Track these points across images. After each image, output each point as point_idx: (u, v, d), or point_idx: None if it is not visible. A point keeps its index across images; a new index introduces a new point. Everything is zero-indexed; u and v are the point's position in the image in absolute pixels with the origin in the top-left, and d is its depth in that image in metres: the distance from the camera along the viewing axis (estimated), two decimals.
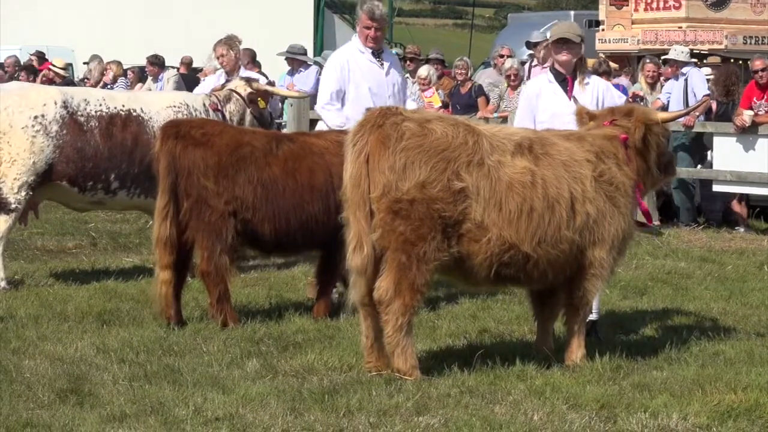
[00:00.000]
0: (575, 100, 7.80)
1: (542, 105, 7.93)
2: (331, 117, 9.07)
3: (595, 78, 8.20)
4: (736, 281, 10.53)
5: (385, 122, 6.64)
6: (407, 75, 17.65)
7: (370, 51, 9.10)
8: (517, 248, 6.79)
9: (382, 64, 9.11)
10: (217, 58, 11.74)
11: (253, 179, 8.21)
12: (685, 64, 14.71)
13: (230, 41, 11.59)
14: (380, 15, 9.07)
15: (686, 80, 14.54)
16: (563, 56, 7.93)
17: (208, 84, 12.05)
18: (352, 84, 9.05)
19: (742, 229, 14.03)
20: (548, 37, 8.30)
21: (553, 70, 8.03)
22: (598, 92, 8.00)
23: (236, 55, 11.54)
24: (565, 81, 7.96)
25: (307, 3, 34.47)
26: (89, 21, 32.64)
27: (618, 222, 7.11)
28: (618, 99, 8.30)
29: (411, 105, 9.43)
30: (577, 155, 7.08)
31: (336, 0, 37.90)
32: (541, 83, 8.09)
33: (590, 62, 12.31)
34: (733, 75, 15.34)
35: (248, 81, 10.99)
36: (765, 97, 13.78)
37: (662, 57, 15.53)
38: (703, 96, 14.45)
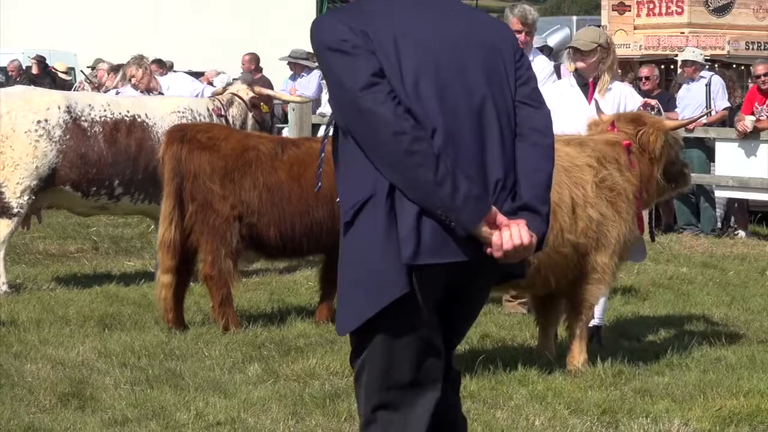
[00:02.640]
0: (598, 107, 7.79)
1: (562, 108, 7.94)
2: None
3: (617, 84, 8.18)
4: (738, 287, 10.52)
5: None
6: None
7: None
8: None
9: None
10: (129, 78, 11.95)
11: (259, 184, 8.22)
12: (703, 67, 14.71)
13: (138, 60, 11.84)
14: (533, 20, 8.98)
15: (707, 86, 14.52)
16: (578, 64, 7.97)
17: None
18: None
19: (743, 235, 14.03)
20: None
21: (575, 74, 8.06)
22: (620, 98, 7.99)
23: (145, 72, 11.77)
24: (587, 85, 7.98)
25: (310, 8, 34.47)
26: (92, 25, 32.65)
27: (620, 227, 7.11)
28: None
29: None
30: (578, 160, 7.08)
31: (338, 4, 37.94)
32: (563, 87, 8.12)
33: None
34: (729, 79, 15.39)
35: (250, 85, 11.01)
36: (767, 102, 13.79)
37: (680, 58, 15.50)
38: (723, 109, 14.45)
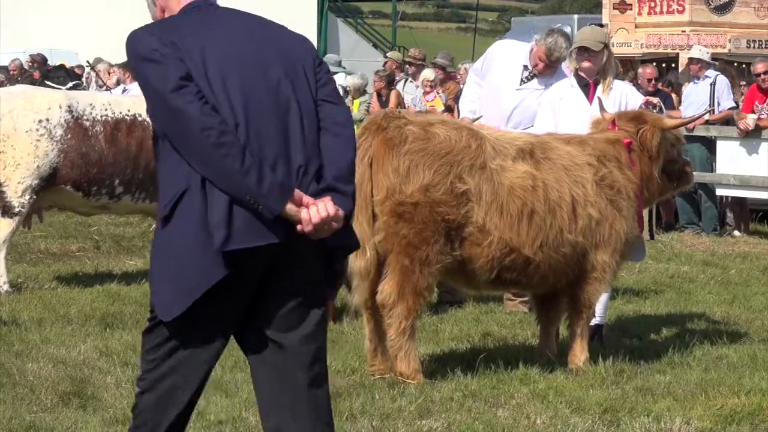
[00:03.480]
0: (600, 102, 7.77)
1: (564, 110, 7.92)
2: (465, 93, 9.18)
3: (618, 82, 8.16)
4: (740, 285, 10.53)
5: (388, 125, 6.66)
6: (410, 79, 17.69)
7: (526, 64, 8.77)
8: (518, 252, 6.79)
9: (524, 80, 8.74)
10: None
11: None
12: (709, 65, 14.71)
13: None
14: (557, 58, 8.58)
15: (712, 86, 14.52)
16: (585, 63, 7.92)
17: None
18: (494, 76, 8.92)
19: (737, 234, 14.04)
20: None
21: (576, 75, 8.03)
22: (621, 96, 7.97)
23: None
24: (587, 86, 7.96)
25: (311, 7, 34.48)
26: (93, 24, 32.66)
27: (620, 225, 7.11)
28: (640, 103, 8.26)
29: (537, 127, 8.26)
30: (578, 159, 7.08)
31: (339, 4, 37.91)
32: (564, 88, 8.08)
33: None
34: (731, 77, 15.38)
35: None
36: (767, 101, 13.78)
37: (688, 56, 15.52)
38: (728, 109, 14.44)
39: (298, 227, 3.86)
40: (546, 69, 8.68)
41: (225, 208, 3.82)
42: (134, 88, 15.61)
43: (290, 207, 3.85)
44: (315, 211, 3.86)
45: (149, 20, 4.22)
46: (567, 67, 8.39)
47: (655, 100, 14.09)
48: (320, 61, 4.15)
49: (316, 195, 3.92)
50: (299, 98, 4.01)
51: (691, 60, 15.09)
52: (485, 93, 8.92)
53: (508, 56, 8.97)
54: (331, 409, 4.19)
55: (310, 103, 4.04)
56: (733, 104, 14.61)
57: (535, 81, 8.76)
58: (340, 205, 3.93)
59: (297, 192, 3.88)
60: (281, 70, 4.01)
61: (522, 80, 8.80)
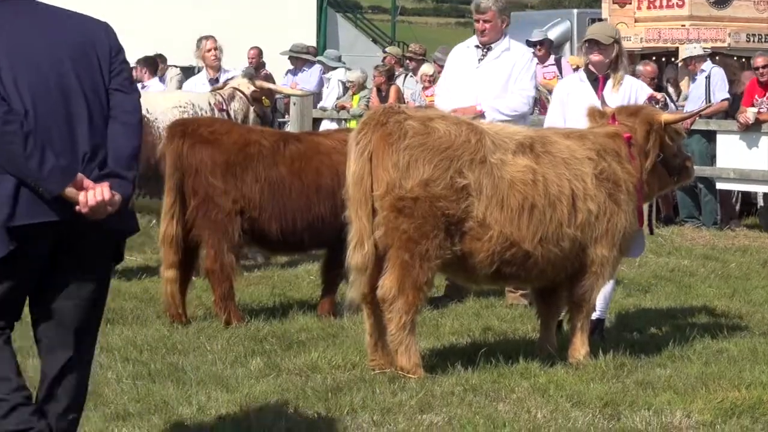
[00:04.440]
0: (603, 100, 7.78)
1: (572, 104, 7.93)
2: (437, 102, 9.45)
3: (628, 78, 8.17)
4: (740, 279, 10.53)
5: (388, 120, 6.65)
6: (410, 74, 17.68)
7: (477, 45, 9.11)
8: (518, 246, 6.80)
9: (480, 58, 9.07)
10: (208, 50, 11.92)
11: (261, 178, 8.22)
12: (704, 59, 14.69)
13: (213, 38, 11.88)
14: (485, 7, 8.95)
15: (707, 79, 14.51)
16: (594, 57, 7.94)
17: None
18: (452, 75, 9.23)
19: (737, 228, 14.04)
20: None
21: (586, 69, 8.04)
22: (631, 91, 7.97)
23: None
24: (597, 81, 7.96)
25: (310, 2, 34.44)
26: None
27: (619, 219, 7.11)
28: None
29: (509, 100, 8.89)
30: (578, 153, 7.09)
31: None
32: (573, 82, 8.11)
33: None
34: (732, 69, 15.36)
35: (251, 79, 11.00)
36: (767, 94, 13.77)
37: (681, 57, 15.53)
38: (722, 100, 14.42)
39: (76, 208, 4.26)
40: (484, 25, 8.97)
41: (12, 188, 4.24)
42: (152, 84, 15.59)
43: (70, 190, 4.26)
44: (92, 195, 4.27)
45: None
46: (568, 62, 8.43)
47: (660, 95, 14.07)
48: (118, 50, 4.54)
49: (98, 180, 4.33)
50: (86, 89, 4.38)
51: (685, 60, 15.11)
52: (455, 92, 9.09)
53: (459, 53, 9.34)
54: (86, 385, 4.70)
55: (101, 92, 4.43)
56: (727, 96, 14.59)
57: (489, 54, 9.07)
58: (119, 190, 4.39)
59: (79, 175, 4.28)
60: (70, 62, 4.36)
61: (479, 59, 9.10)
